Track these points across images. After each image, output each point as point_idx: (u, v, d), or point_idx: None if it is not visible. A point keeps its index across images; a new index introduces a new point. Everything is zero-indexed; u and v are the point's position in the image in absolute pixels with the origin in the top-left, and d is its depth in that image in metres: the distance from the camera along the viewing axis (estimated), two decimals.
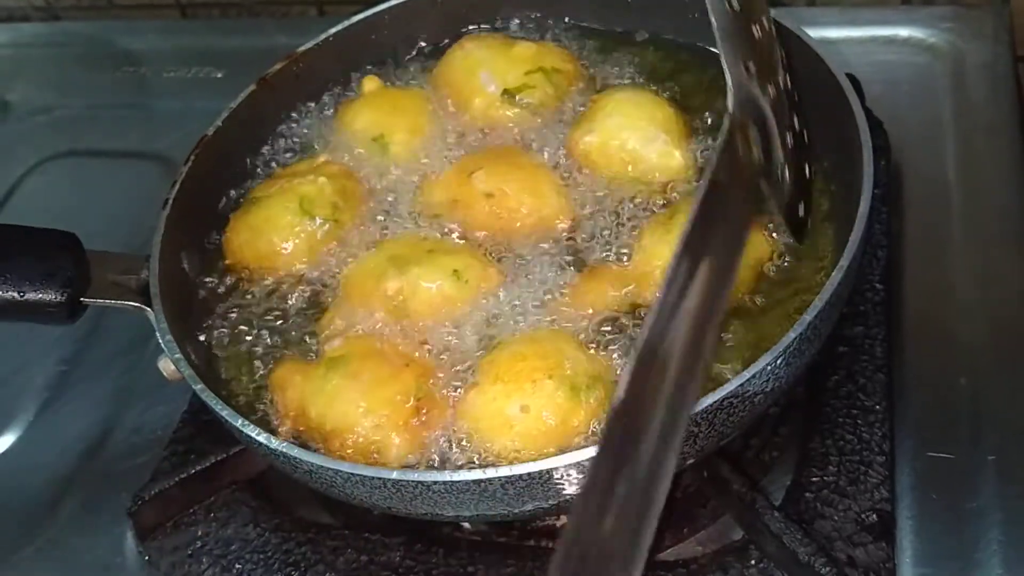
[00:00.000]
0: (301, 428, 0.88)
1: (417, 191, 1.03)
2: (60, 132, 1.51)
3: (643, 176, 0.99)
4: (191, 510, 0.99)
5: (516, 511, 0.80)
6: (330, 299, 0.97)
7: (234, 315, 0.98)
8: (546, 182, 0.99)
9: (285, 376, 0.91)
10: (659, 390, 0.59)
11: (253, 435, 0.82)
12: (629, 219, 0.97)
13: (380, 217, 1.02)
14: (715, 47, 0.82)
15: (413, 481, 0.77)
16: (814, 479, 0.90)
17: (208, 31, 1.65)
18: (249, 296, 0.99)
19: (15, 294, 0.90)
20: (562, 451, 0.80)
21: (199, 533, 0.97)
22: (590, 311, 0.90)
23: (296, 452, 0.80)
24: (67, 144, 1.48)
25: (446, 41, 1.17)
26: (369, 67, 1.17)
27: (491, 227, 0.98)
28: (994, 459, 0.92)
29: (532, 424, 0.82)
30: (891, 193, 1.12)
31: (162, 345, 0.89)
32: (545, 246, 0.96)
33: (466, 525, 0.95)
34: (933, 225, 1.11)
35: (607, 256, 0.95)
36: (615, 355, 0.87)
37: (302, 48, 1.14)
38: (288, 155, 1.11)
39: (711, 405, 0.75)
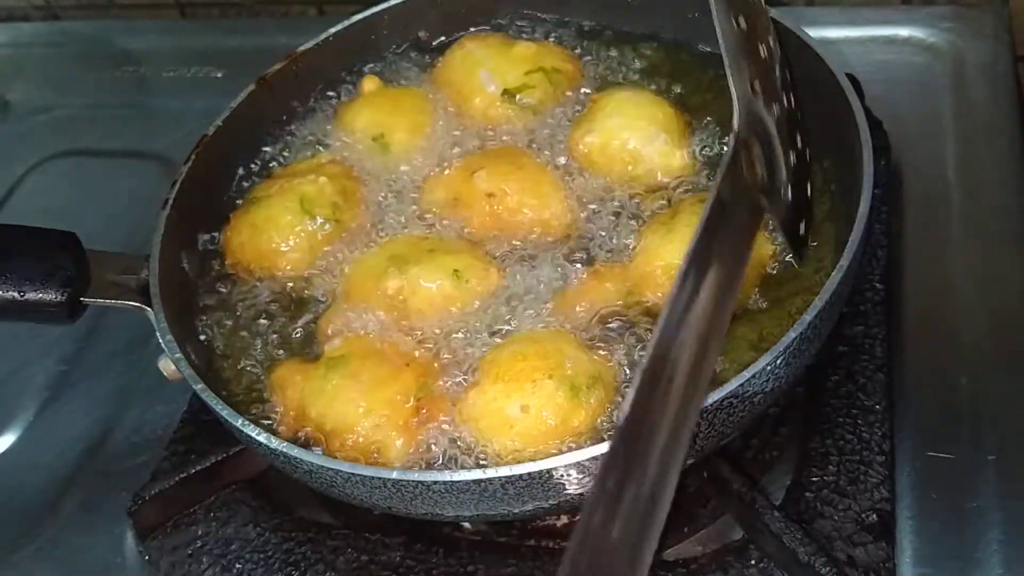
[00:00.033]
0: (301, 428, 0.88)
1: (419, 190, 1.03)
2: (60, 132, 1.51)
3: (644, 176, 0.99)
4: (191, 510, 0.99)
5: (516, 511, 0.80)
6: (330, 299, 0.97)
7: (234, 315, 0.98)
8: (547, 182, 0.99)
9: (285, 376, 0.91)
10: (666, 401, 0.61)
11: (253, 435, 0.82)
12: (630, 219, 0.97)
13: (380, 216, 1.02)
14: (715, 47, 0.83)
15: (413, 481, 0.77)
16: (814, 479, 0.90)
17: (208, 31, 1.65)
18: (249, 296, 0.99)
19: (15, 294, 0.90)
20: (562, 451, 0.80)
21: (199, 533, 0.97)
22: (591, 311, 0.90)
23: (296, 452, 0.80)
24: (67, 144, 1.48)
25: (446, 41, 1.17)
26: (369, 67, 1.17)
27: (492, 227, 0.98)
28: (994, 459, 0.92)
29: (532, 424, 0.82)
30: (891, 193, 1.12)
31: (162, 345, 0.89)
32: (546, 246, 0.97)
33: (466, 525, 0.95)
34: (933, 225, 1.11)
35: (608, 256, 0.95)
36: (616, 355, 0.87)
37: (302, 48, 1.14)
38: (288, 155, 1.11)
39: (711, 405, 0.75)
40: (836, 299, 0.81)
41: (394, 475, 0.77)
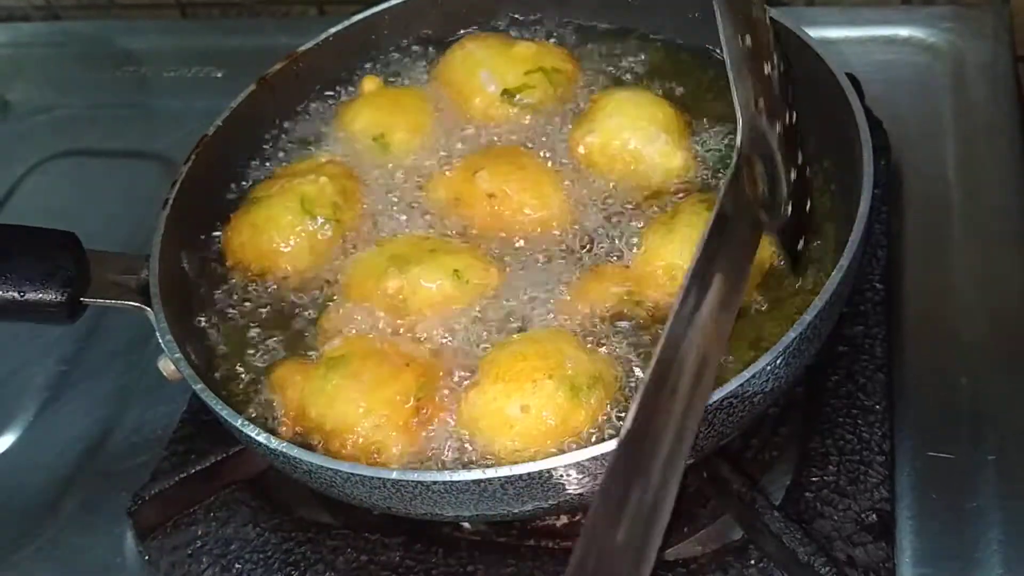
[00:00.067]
0: (301, 428, 0.88)
1: (420, 190, 1.03)
2: (60, 132, 1.51)
3: (645, 176, 0.99)
4: (191, 510, 0.99)
5: (516, 511, 0.80)
6: (331, 298, 0.97)
7: (234, 315, 0.98)
8: (548, 183, 0.99)
9: (285, 376, 0.91)
10: (670, 409, 0.63)
11: (253, 435, 0.82)
12: (631, 219, 0.97)
13: (381, 216, 1.02)
14: (715, 47, 0.83)
15: (413, 481, 0.77)
16: (814, 479, 0.90)
17: (208, 31, 1.65)
18: (249, 296, 0.99)
19: (15, 294, 0.90)
20: (562, 451, 0.80)
21: (199, 533, 0.97)
22: (591, 311, 0.90)
23: (296, 452, 0.80)
24: (67, 144, 1.48)
25: (446, 41, 1.17)
26: (369, 67, 1.17)
27: (493, 227, 0.98)
28: (994, 459, 0.92)
29: (532, 424, 0.81)
30: (891, 193, 1.12)
31: (162, 345, 0.89)
32: (546, 246, 0.97)
33: (466, 525, 0.95)
34: (933, 225, 1.11)
35: (609, 256, 0.95)
36: (616, 355, 0.87)
37: (302, 48, 1.14)
38: (288, 155, 1.11)
39: (711, 405, 0.75)
40: (836, 299, 0.81)
41: (394, 475, 0.77)
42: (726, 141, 1.00)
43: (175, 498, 0.99)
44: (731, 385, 0.76)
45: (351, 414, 0.85)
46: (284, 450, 0.80)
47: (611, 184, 1.00)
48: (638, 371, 0.86)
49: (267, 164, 1.11)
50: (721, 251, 0.70)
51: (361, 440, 0.84)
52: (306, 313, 0.97)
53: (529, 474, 0.75)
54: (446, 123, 1.09)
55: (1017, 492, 0.90)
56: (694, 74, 1.09)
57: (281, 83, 1.12)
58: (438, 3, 1.18)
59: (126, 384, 1.15)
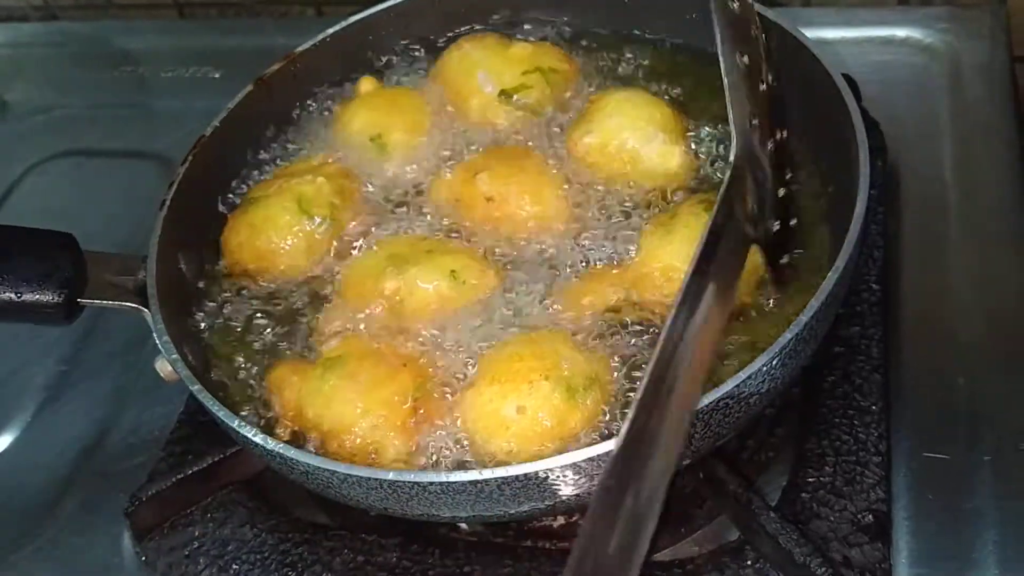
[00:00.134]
0: (299, 428, 0.88)
1: (421, 190, 1.03)
2: (58, 132, 1.51)
3: (642, 176, 0.99)
4: (188, 511, 0.99)
5: (512, 512, 0.80)
6: (328, 299, 0.97)
7: (232, 315, 0.98)
8: (548, 186, 0.99)
9: (283, 376, 0.91)
10: (665, 412, 0.65)
11: (249, 436, 0.82)
12: (628, 220, 0.97)
13: (378, 217, 1.02)
14: (712, 47, 0.83)
15: (409, 482, 0.77)
16: (810, 479, 0.90)
17: (206, 31, 1.65)
18: (247, 296, 1.00)
19: (12, 295, 0.91)
20: (558, 452, 0.80)
21: (196, 534, 0.97)
22: (588, 312, 0.90)
23: (292, 453, 0.80)
24: (65, 144, 1.48)
25: (444, 41, 1.17)
26: (367, 67, 1.17)
27: (491, 228, 0.98)
28: (990, 460, 0.92)
29: (528, 425, 0.82)
30: (888, 193, 1.12)
31: (159, 346, 0.89)
32: (544, 247, 0.97)
33: (463, 526, 0.95)
34: (930, 225, 1.11)
35: (606, 257, 0.95)
36: (613, 356, 0.87)
37: (300, 48, 1.14)
38: (286, 155, 1.11)
39: (707, 406, 0.75)
40: (832, 300, 0.81)
41: (390, 476, 0.77)
42: (723, 141, 1.01)
43: (172, 499, 0.99)
44: (727, 386, 0.76)
45: (348, 415, 0.85)
46: (281, 451, 0.81)
47: (609, 184, 1.00)
48: (634, 372, 0.86)
49: (265, 164, 1.11)
50: (713, 264, 0.72)
51: (358, 441, 0.84)
52: (303, 313, 0.97)
53: (525, 475, 0.75)
54: (443, 124, 1.09)
55: (1013, 493, 0.90)
56: (691, 74, 1.09)
57: (279, 83, 1.12)
58: (436, 4, 1.18)
59: (123, 385, 1.15)
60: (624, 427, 0.63)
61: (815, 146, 0.98)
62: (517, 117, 1.07)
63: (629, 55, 1.13)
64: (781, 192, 0.88)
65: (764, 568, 0.86)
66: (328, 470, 0.79)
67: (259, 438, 0.82)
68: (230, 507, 0.98)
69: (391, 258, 0.95)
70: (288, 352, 0.95)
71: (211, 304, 1.00)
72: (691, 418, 0.70)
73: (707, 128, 1.03)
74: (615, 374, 0.86)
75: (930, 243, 1.09)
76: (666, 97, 1.06)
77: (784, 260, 0.89)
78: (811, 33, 0.98)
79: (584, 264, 0.94)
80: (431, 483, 0.77)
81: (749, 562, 0.87)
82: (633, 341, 0.88)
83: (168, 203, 0.99)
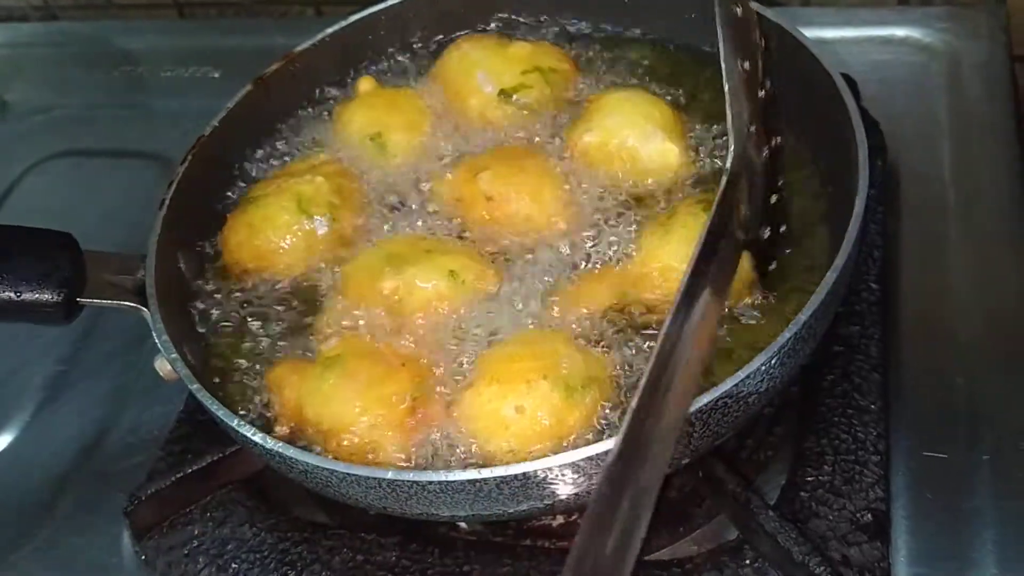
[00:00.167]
0: (298, 427, 0.88)
1: (418, 190, 1.03)
2: (58, 132, 1.51)
3: (642, 175, 0.99)
4: (187, 510, 0.99)
5: (511, 511, 0.80)
6: (327, 298, 0.97)
7: (231, 314, 0.98)
8: (548, 186, 0.98)
9: (282, 375, 0.91)
10: (662, 412, 0.66)
11: (248, 435, 0.82)
12: (627, 219, 0.97)
13: (377, 216, 1.02)
14: (711, 46, 0.83)
15: (408, 481, 0.77)
16: (809, 478, 0.90)
17: (206, 31, 1.65)
18: (246, 295, 1.00)
19: (12, 294, 0.91)
20: (557, 451, 0.80)
21: (195, 533, 0.97)
22: (587, 311, 0.90)
23: (291, 452, 0.80)
24: (65, 144, 1.48)
25: (443, 41, 1.17)
26: (366, 67, 1.17)
27: (491, 227, 0.98)
28: (989, 459, 0.92)
29: (527, 425, 0.82)
30: (887, 193, 1.12)
31: (158, 345, 0.89)
32: (543, 247, 0.96)
33: (462, 525, 0.95)
34: (929, 224, 1.11)
35: (605, 256, 0.95)
36: (611, 355, 0.87)
37: (299, 48, 1.14)
38: (285, 155, 1.11)
39: (706, 405, 0.75)
40: (831, 299, 0.81)
41: (389, 475, 0.77)
42: (721, 140, 1.01)
43: (171, 498, 0.99)
44: (726, 385, 0.76)
45: (347, 414, 0.85)
46: (280, 450, 0.81)
47: (608, 184, 1.00)
48: (632, 371, 0.86)
49: (264, 164, 1.11)
50: (710, 267, 0.74)
51: (356, 440, 0.84)
52: (303, 313, 0.97)
53: (524, 474, 0.75)
54: (443, 123, 1.09)
55: (1012, 492, 0.90)
56: (690, 73, 1.09)
57: (278, 83, 1.12)
58: (435, 4, 1.18)
59: (123, 384, 1.15)
60: (623, 428, 0.64)
61: (814, 146, 0.99)
62: (516, 117, 1.07)
63: (628, 54, 1.13)
64: (773, 199, 0.89)
65: (763, 567, 0.86)
66: (327, 469, 0.79)
67: (258, 437, 0.82)
68: (229, 506, 0.98)
69: (390, 257, 0.94)
70: (287, 351, 0.95)
71: (210, 303, 0.99)
72: (686, 418, 0.70)
73: (706, 127, 1.03)
74: (613, 373, 0.86)
75: (929, 242, 1.09)
76: (666, 97, 1.05)
77: (772, 267, 0.90)
78: (810, 33, 0.99)
79: (584, 264, 0.94)
80: (430, 482, 0.77)
81: (748, 561, 0.87)
82: (631, 340, 0.88)
83: (167, 202, 0.99)
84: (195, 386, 0.86)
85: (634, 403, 0.65)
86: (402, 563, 0.92)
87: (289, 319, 0.97)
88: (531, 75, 1.08)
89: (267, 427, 0.89)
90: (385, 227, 1.01)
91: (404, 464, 0.84)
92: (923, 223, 1.11)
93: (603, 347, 0.88)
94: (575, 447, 0.81)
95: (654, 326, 0.88)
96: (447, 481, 0.76)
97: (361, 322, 0.93)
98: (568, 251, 0.96)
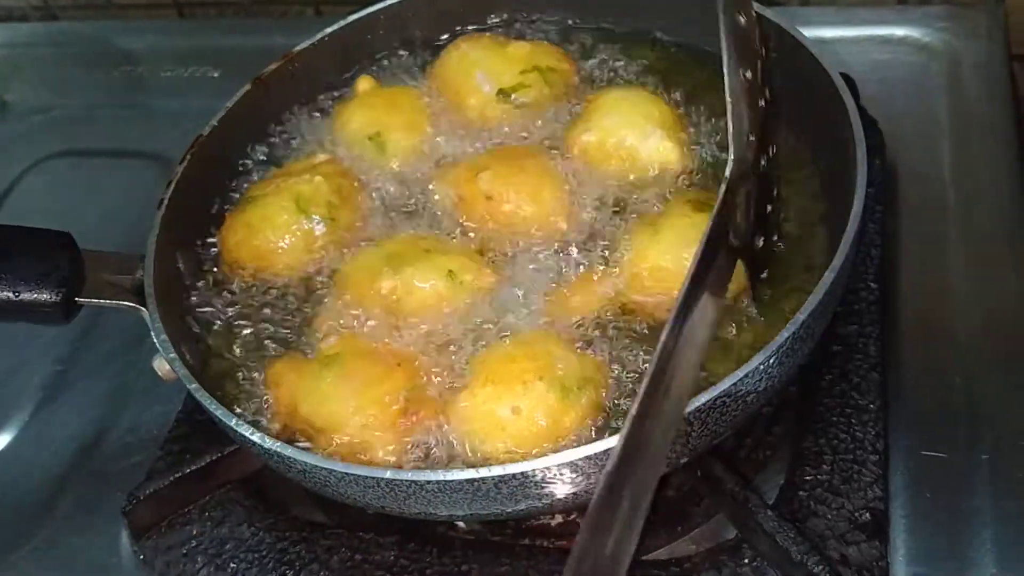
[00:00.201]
0: (293, 426, 0.88)
1: (417, 189, 1.03)
2: (57, 131, 1.51)
3: (640, 174, 0.99)
4: (186, 509, 0.99)
5: (510, 510, 0.80)
6: (326, 297, 0.97)
7: (230, 314, 0.98)
8: (548, 187, 0.98)
9: (280, 374, 0.91)
10: (660, 413, 0.67)
11: (247, 435, 0.82)
12: (626, 220, 0.97)
13: (376, 216, 1.02)
14: (710, 46, 0.83)
15: (406, 480, 0.77)
16: (807, 478, 0.90)
17: (205, 31, 1.65)
18: (245, 295, 1.00)
19: (10, 294, 0.91)
20: (554, 451, 0.80)
21: (194, 532, 0.98)
22: (583, 312, 0.90)
23: (290, 452, 0.80)
24: (64, 143, 1.48)
25: (442, 40, 1.17)
26: (365, 67, 1.17)
27: (490, 227, 0.98)
28: (988, 458, 0.92)
29: (524, 426, 0.82)
30: (886, 192, 1.12)
31: (157, 345, 0.89)
32: (541, 247, 0.96)
33: (460, 524, 0.95)
34: (928, 224, 1.11)
35: (602, 256, 0.95)
36: (607, 356, 0.87)
37: (298, 48, 1.14)
38: (284, 154, 1.11)
39: (704, 404, 0.75)
40: (829, 298, 0.81)
41: (388, 475, 0.77)
42: (719, 139, 1.01)
43: (170, 498, 0.99)
44: (724, 384, 0.76)
45: (340, 412, 0.85)
46: (278, 450, 0.81)
47: (607, 183, 1.00)
48: (628, 372, 0.86)
49: (263, 164, 1.11)
50: (709, 274, 0.74)
51: (347, 439, 0.84)
52: (301, 312, 0.97)
53: (522, 473, 0.75)
54: (442, 123, 1.09)
55: (1011, 491, 0.90)
56: (689, 72, 1.09)
57: (277, 83, 1.12)
58: (434, 3, 1.18)
59: (121, 384, 1.15)
60: (623, 431, 0.64)
61: (813, 145, 0.99)
62: (515, 116, 1.07)
63: (627, 53, 1.13)
64: (768, 208, 0.89)
65: (761, 566, 0.86)
66: (326, 469, 0.79)
67: (256, 437, 0.82)
68: (228, 506, 0.98)
69: (389, 257, 0.94)
70: (286, 350, 0.95)
71: (209, 303, 0.99)
72: (683, 421, 0.71)
73: (705, 127, 1.03)
74: (609, 374, 0.86)
75: (928, 242, 1.09)
76: (665, 96, 1.05)
77: (764, 275, 0.90)
78: (810, 32, 0.99)
79: (582, 264, 0.94)
80: (428, 482, 0.77)
81: (746, 560, 0.87)
82: (627, 341, 0.88)
83: (166, 202, 0.99)
84: (193, 386, 0.86)
85: (634, 407, 0.65)
86: (400, 562, 0.92)
87: (288, 318, 0.97)
88: (530, 75, 1.08)
89: (265, 426, 0.89)
90: (384, 226, 1.01)
91: (400, 464, 0.84)
92: (922, 223, 1.11)
93: (599, 348, 0.88)
94: (572, 447, 0.80)
95: (649, 327, 0.89)
96: (445, 480, 0.76)
97: (360, 321, 0.93)
98: (567, 251, 0.96)
